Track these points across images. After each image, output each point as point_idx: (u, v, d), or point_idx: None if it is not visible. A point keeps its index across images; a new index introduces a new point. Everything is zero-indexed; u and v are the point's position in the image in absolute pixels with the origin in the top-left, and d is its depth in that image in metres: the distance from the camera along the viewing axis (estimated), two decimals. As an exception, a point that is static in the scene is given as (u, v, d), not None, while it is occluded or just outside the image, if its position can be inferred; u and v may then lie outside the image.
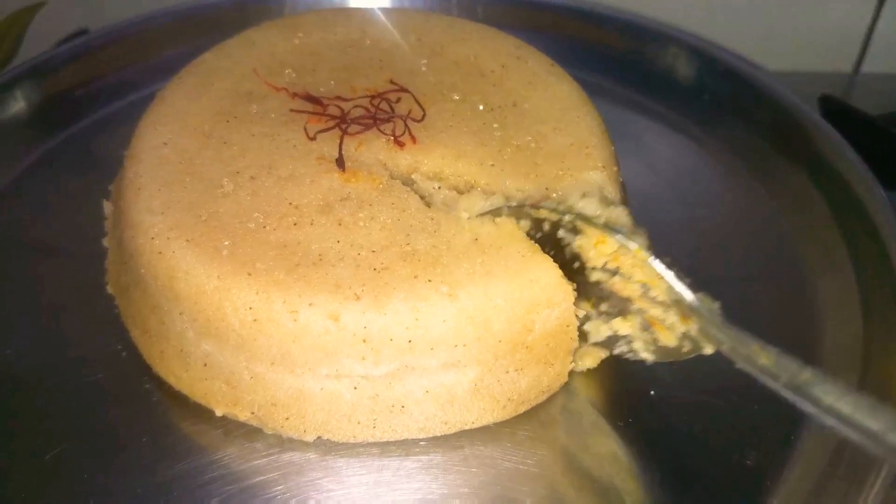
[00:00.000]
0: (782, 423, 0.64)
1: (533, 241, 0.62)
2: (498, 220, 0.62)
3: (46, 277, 0.74)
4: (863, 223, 0.77)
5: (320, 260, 0.59)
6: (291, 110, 0.72)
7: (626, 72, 1.01)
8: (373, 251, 0.60)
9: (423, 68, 0.79)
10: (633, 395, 0.67)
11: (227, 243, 0.60)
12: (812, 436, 0.63)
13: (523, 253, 0.61)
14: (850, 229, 0.79)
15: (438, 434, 0.63)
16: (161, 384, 0.66)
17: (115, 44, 0.97)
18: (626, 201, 0.77)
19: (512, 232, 0.62)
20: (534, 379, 0.63)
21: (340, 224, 0.62)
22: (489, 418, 0.63)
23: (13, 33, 1.14)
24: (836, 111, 1.00)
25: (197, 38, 0.87)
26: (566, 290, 0.61)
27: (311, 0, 1.05)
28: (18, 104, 0.90)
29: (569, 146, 0.70)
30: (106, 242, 0.74)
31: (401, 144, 0.69)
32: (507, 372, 0.62)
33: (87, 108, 0.92)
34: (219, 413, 0.63)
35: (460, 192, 0.67)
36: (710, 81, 0.97)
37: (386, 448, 0.63)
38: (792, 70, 1.17)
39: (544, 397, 0.65)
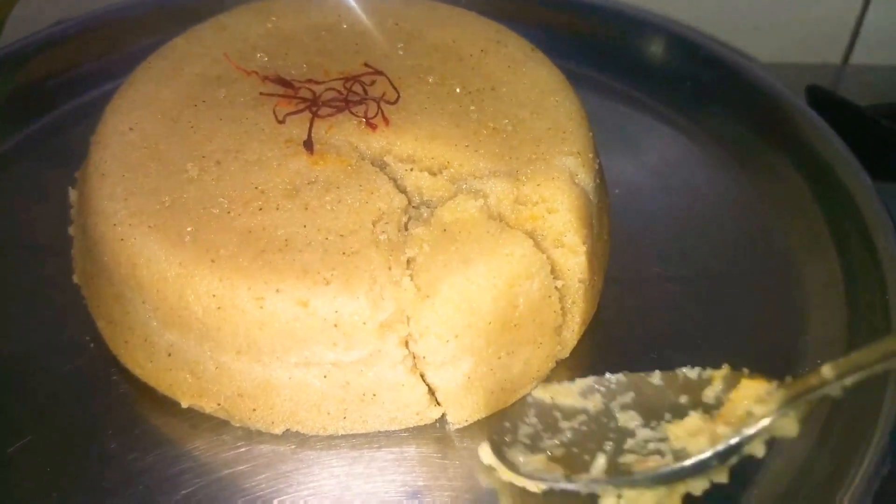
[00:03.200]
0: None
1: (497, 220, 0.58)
2: (457, 203, 0.59)
3: (11, 268, 0.70)
4: (849, 211, 0.74)
5: (286, 245, 0.55)
6: (261, 94, 0.67)
7: (610, 61, 0.96)
8: (341, 235, 0.56)
9: (400, 52, 0.74)
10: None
11: (189, 229, 0.56)
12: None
13: (492, 232, 0.57)
14: (835, 218, 0.76)
15: (411, 425, 0.59)
16: (128, 375, 0.62)
17: (89, 32, 0.92)
18: (604, 189, 0.73)
19: (474, 214, 0.59)
20: (524, 363, 0.60)
21: (307, 208, 0.57)
22: (482, 412, 0.60)
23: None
24: (824, 101, 0.96)
25: (174, 26, 0.81)
26: (540, 258, 0.58)
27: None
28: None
29: (545, 130, 0.66)
30: (71, 231, 0.69)
31: (373, 126, 0.64)
32: (500, 357, 0.59)
33: (60, 99, 0.87)
34: (184, 404, 0.59)
35: (433, 174, 0.63)
36: (694, 70, 0.93)
37: (360, 440, 0.59)
38: (780, 61, 1.13)
39: (534, 385, 0.62)
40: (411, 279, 0.55)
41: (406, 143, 0.64)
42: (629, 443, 0.53)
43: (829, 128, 0.80)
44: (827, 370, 0.48)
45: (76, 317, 0.66)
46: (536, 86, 0.72)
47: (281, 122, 0.64)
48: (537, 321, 0.60)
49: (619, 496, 0.51)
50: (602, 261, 0.70)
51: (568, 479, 0.51)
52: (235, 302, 0.53)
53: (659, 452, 0.52)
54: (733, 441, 0.50)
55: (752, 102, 0.88)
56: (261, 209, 0.58)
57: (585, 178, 0.65)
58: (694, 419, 0.52)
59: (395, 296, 0.54)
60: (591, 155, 0.67)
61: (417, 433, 0.60)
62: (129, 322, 0.59)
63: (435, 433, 0.60)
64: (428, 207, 0.61)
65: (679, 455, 0.51)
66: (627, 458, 0.52)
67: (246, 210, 0.57)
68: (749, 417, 0.50)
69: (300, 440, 0.59)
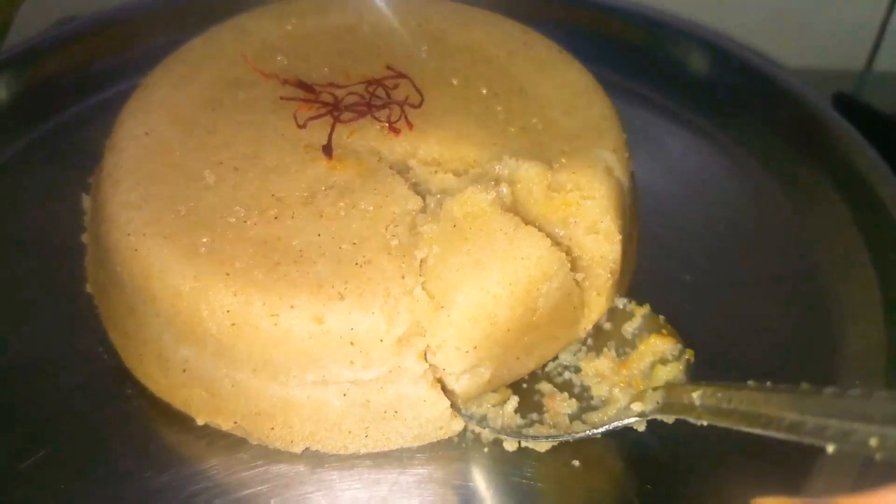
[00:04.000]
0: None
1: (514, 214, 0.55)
2: (468, 196, 0.55)
3: (23, 274, 0.68)
4: (884, 223, 0.70)
5: (301, 256, 0.52)
6: (281, 98, 0.64)
7: (638, 66, 0.93)
8: (354, 243, 0.53)
9: (424, 55, 0.71)
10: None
11: (205, 240, 0.53)
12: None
13: (505, 230, 0.53)
14: (870, 230, 0.72)
15: (434, 440, 0.56)
16: (143, 389, 0.59)
17: (102, 31, 0.89)
18: (636, 194, 0.70)
19: (485, 208, 0.55)
20: (539, 357, 0.58)
21: (322, 216, 0.54)
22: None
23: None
24: (851, 109, 0.92)
25: (188, 25, 0.79)
26: (559, 257, 0.54)
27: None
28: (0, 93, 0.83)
29: (579, 129, 0.64)
30: (84, 239, 0.67)
31: (396, 131, 0.61)
32: (518, 358, 0.56)
33: (73, 98, 0.84)
34: (200, 422, 0.56)
35: (458, 176, 0.59)
36: (724, 77, 0.89)
37: (381, 461, 0.56)
38: (804, 67, 1.10)
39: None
40: (423, 287, 0.52)
41: (431, 146, 0.61)
42: (549, 365, 0.59)
43: (861, 137, 0.77)
44: (697, 397, 0.49)
45: (89, 326, 0.63)
46: (567, 87, 0.69)
47: (301, 126, 0.61)
48: (556, 319, 0.57)
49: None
50: (630, 261, 0.67)
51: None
52: (249, 318, 0.50)
53: (570, 385, 0.58)
54: (602, 429, 0.54)
55: (782, 111, 0.84)
56: (276, 218, 0.55)
57: (621, 175, 0.62)
58: (604, 362, 0.58)
59: (410, 307, 0.51)
60: (626, 154, 0.65)
61: (440, 455, 0.56)
62: (143, 335, 0.57)
63: (458, 455, 0.56)
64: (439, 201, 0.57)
65: (581, 395, 0.57)
66: (543, 386, 0.58)
67: (262, 219, 0.54)
68: (647, 377, 0.56)
69: (319, 459, 0.56)
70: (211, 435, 0.57)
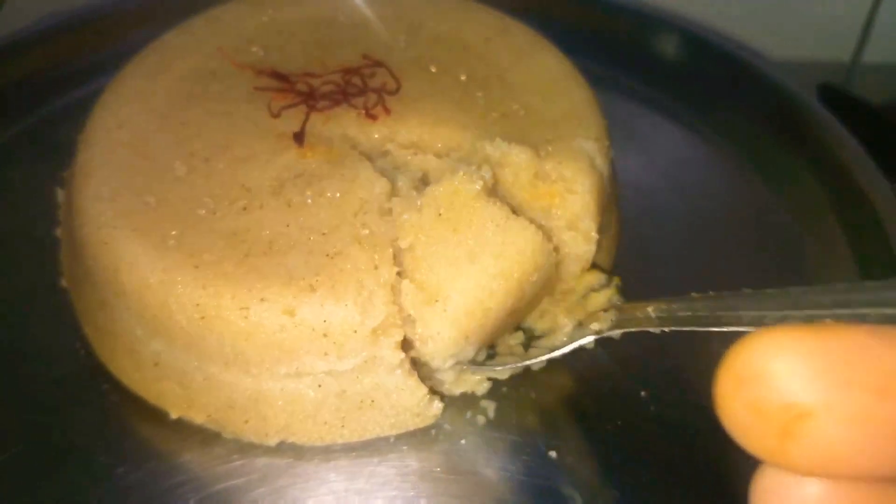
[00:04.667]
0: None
1: (503, 203, 0.54)
2: (454, 184, 0.53)
3: None
4: (865, 214, 0.70)
5: (270, 248, 0.51)
6: (255, 88, 0.63)
7: (619, 56, 0.92)
8: (323, 234, 0.52)
9: (402, 43, 0.70)
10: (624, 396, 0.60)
11: (174, 233, 0.52)
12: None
13: (497, 221, 0.52)
14: (851, 221, 0.72)
15: (412, 427, 0.55)
16: (118, 384, 0.58)
17: (82, 27, 0.88)
18: (615, 182, 0.69)
19: (470, 197, 0.53)
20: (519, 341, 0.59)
21: (290, 205, 0.53)
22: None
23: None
24: (836, 99, 0.92)
25: (169, 19, 0.78)
26: (548, 248, 0.54)
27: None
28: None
29: (560, 115, 0.63)
30: (58, 233, 0.66)
31: (373, 117, 0.60)
32: (502, 335, 0.57)
33: (50, 95, 0.83)
34: (173, 416, 0.55)
35: (439, 157, 0.58)
36: (706, 67, 0.88)
37: (358, 452, 0.55)
38: (790, 58, 1.09)
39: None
40: (411, 279, 0.51)
41: (410, 129, 0.60)
42: None
43: (844, 129, 0.77)
44: (652, 310, 0.49)
45: (65, 322, 0.62)
46: (546, 73, 0.68)
47: (275, 116, 0.60)
48: (535, 300, 0.58)
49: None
50: (610, 254, 0.66)
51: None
52: (220, 312, 0.49)
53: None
54: (563, 350, 0.55)
55: (765, 102, 0.84)
56: (245, 209, 0.53)
57: (602, 165, 0.61)
58: (545, 303, 0.59)
59: (388, 299, 0.50)
60: (607, 143, 0.64)
61: (419, 446, 0.55)
62: (115, 329, 0.56)
63: (436, 446, 0.55)
64: (417, 188, 0.55)
65: (526, 330, 0.59)
66: None
67: (231, 210, 0.53)
68: (583, 305, 0.57)
69: (296, 452, 0.55)
70: (186, 429, 0.56)
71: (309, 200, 0.53)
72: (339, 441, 0.55)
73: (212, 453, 0.55)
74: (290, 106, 0.60)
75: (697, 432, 0.56)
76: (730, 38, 0.94)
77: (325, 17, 0.73)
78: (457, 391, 0.57)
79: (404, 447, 0.55)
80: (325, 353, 0.50)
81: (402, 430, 0.55)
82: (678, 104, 0.87)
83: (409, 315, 0.51)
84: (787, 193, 0.77)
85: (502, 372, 0.57)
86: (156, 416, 0.57)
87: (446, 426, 0.56)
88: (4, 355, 0.61)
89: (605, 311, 0.54)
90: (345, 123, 0.61)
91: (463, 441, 0.55)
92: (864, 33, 1.11)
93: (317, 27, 0.72)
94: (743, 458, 0.26)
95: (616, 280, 0.59)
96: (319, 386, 0.52)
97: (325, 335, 0.49)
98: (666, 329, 0.47)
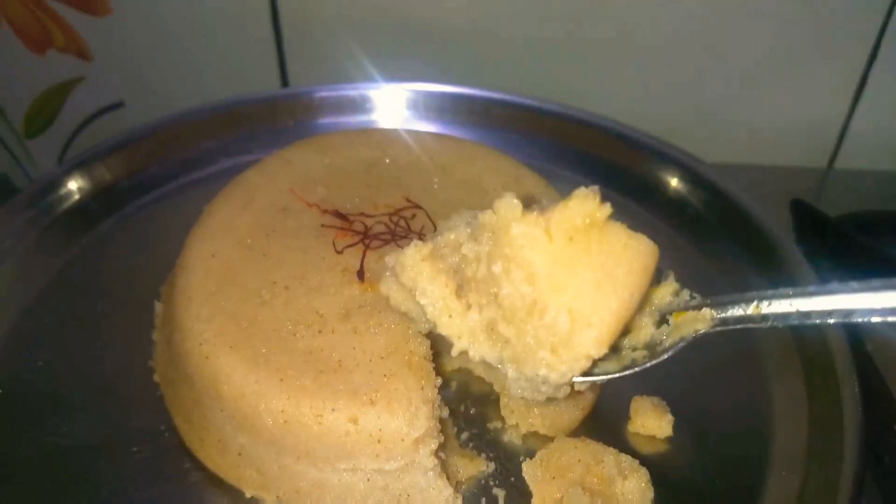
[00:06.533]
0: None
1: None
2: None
3: (92, 358, 0.76)
4: (818, 346, 0.75)
5: (339, 367, 0.63)
6: (322, 225, 0.76)
7: (617, 180, 1.01)
8: (381, 357, 0.63)
9: (435, 186, 0.84)
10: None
11: (263, 350, 0.64)
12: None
13: (622, 240, 0.56)
14: (806, 350, 0.77)
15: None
16: (198, 464, 0.69)
17: (153, 137, 0.99)
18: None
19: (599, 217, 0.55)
20: None
21: (356, 332, 0.65)
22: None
23: (53, 105, 1.18)
24: (805, 214, 1.01)
25: (230, 131, 0.90)
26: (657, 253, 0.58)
27: (331, 96, 1.08)
28: (69, 197, 0.92)
29: None
30: (155, 337, 0.78)
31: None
32: None
33: (130, 197, 0.94)
34: (248, 495, 0.66)
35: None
36: (693, 198, 0.98)
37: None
38: (769, 164, 1.16)
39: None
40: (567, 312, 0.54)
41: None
42: None
43: (811, 269, 0.82)
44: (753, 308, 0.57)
45: (152, 406, 0.72)
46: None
47: (339, 252, 0.73)
48: None
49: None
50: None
51: None
52: (299, 417, 0.61)
53: None
54: (674, 349, 0.61)
55: (744, 233, 0.90)
56: (320, 332, 0.66)
57: None
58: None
59: (430, 414, 0.62)
60: None
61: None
62: (206, 424, 0.67)
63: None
64: None
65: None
66: None
67: (307, 333, 0.66)
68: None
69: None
70: (256, 506, 0.67)
71: (373, 329, 0.65)
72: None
73: (277, 528, 0.66)
74: (350, 245, 0.74)
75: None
76: (714, 169, 0.99)
77: (373, 159, 0.87)
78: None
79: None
80: (377, 455, 0.62)
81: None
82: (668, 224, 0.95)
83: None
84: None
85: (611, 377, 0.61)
86: (231, 494, 0.67)
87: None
88: (96, 435, 0.70)
89: (697, 309, 0.60)
90: (394, 262, 0.74)
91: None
92: (839, 140, 1.17)
93: (368, 169, 0.86)
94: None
95: (670, 272, 0.63)
96: (368, 480, 0.64)
97: (379, 441, 0.61)
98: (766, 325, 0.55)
